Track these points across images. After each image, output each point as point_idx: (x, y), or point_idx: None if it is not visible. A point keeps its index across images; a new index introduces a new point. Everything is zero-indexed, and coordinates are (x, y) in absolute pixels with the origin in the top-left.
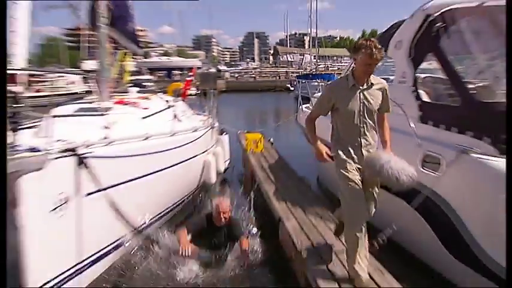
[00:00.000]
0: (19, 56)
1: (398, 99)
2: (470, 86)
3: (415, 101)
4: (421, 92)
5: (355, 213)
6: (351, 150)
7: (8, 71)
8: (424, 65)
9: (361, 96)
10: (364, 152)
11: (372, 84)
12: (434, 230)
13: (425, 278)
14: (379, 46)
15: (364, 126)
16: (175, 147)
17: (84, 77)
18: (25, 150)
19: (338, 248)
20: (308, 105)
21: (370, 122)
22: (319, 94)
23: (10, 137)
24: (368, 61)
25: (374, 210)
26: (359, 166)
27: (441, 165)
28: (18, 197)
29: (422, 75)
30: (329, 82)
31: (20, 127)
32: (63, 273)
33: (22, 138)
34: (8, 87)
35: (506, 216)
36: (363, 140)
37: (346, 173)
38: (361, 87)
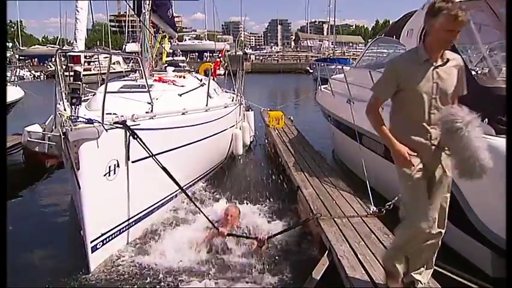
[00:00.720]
0: (80, 40)
1: None
2: (473, 72)
3: None
4: None
5: (417, 212)
6: (418, 144)
7: (72, 53)
8: None
9: (435, 75)
10: (432, 144)
11: (448, 60)
12: None
13: None
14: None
15: (435, 113)
16: (208, 121)
17: (126, 58)
18: (83, 122)
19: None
20: (326, 85)
21: (443, 107)
22: (383, 74)
23: (70, 111)
24: (450, 26)
25: (442, 231)
26: (427, 164)
27: None
28: (78, 162)
29: None
30: (391, 58)
31: (77, 102)
32: (114, 227)
33: (79, 112)
34: (72, 67)
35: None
36: (432, 131)
37: (409, 173)
38: (434, 64)
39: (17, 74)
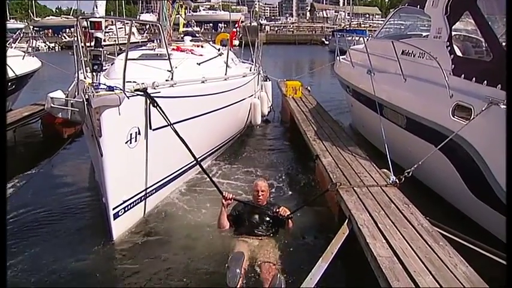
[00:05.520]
0: (101, 6)
1: (433, 52)
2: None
3: (449, 55)
4: (454, 47)
5: None
6: None
7: (93, 19)
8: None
9: None
10: None
11: None
12: (460, 172)
13: (449, 217)
14: None
15: None
16: (227, 90)
17: (140, 29)
18: (105, 89)
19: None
20: (344, 56)
21: None
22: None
23: (91, 77)
24: None
25: None
26: None
27: (471, 115)
28: (100, 129)
29: (457, 32)
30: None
31: (99, 68)
32: (135, 195)
33: (99, 79)
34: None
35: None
36: None
37: None
38: None
39: (33, 45)
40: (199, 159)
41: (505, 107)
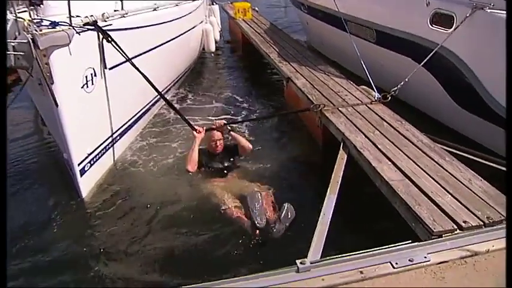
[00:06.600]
0: None
1: None
2: None
3: None
4: None
5: None
6: None
7: None
8: None
9: None
10: None
11: None
12: (444, 85)
13: (438, 131)
14: None
15: None
16: (180, 17)
17: None
18: (49, 26)
19: None
20: None
21: None
22: None
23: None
24: None
25: None
26: None
27: (454, 22)
28: (51, 74)
29: None
30: None
31: (38, 1)
32: (100, 145)
33: (41, 15)
34: None
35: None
36: None
37: None
38: None
39: None
40: (164, 91)
41: (491, 11)
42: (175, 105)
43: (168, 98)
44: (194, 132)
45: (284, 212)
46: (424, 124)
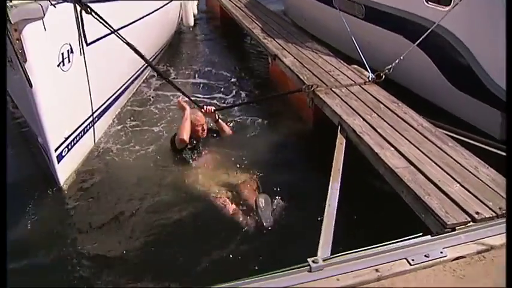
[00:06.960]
0: None
1: None
2: None
3: None
4: None
5: None
6: None
7: None
8: None
9: None
10: None
11: None
12: (438, 65)
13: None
14: None
15: None
16: None
17: None
18: None
19: None
20: None
21: None
22: None
23: None
24: None
25: None
26: None
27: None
28: (24, 52)
29: None
30: None
31: None
32: (79, 127)
33: None
34: None
35: None
36: None
37: None
38: None
39: None
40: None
41: None
42: (157, 82)
43: (148, 74)
44: (184, 104)
45: (258, 204)
46: (416, 106)
